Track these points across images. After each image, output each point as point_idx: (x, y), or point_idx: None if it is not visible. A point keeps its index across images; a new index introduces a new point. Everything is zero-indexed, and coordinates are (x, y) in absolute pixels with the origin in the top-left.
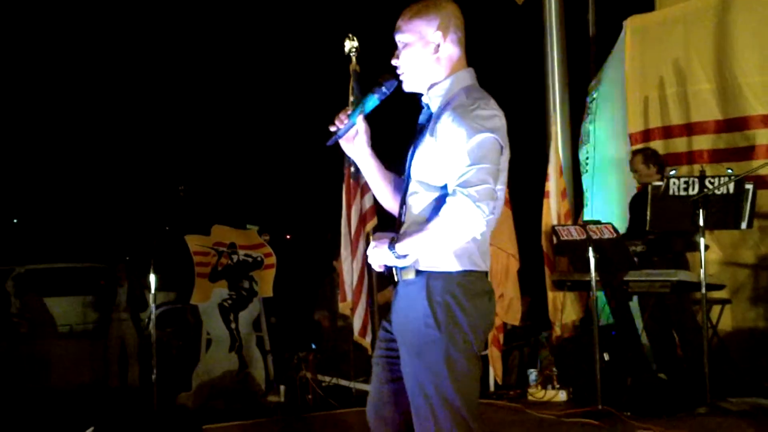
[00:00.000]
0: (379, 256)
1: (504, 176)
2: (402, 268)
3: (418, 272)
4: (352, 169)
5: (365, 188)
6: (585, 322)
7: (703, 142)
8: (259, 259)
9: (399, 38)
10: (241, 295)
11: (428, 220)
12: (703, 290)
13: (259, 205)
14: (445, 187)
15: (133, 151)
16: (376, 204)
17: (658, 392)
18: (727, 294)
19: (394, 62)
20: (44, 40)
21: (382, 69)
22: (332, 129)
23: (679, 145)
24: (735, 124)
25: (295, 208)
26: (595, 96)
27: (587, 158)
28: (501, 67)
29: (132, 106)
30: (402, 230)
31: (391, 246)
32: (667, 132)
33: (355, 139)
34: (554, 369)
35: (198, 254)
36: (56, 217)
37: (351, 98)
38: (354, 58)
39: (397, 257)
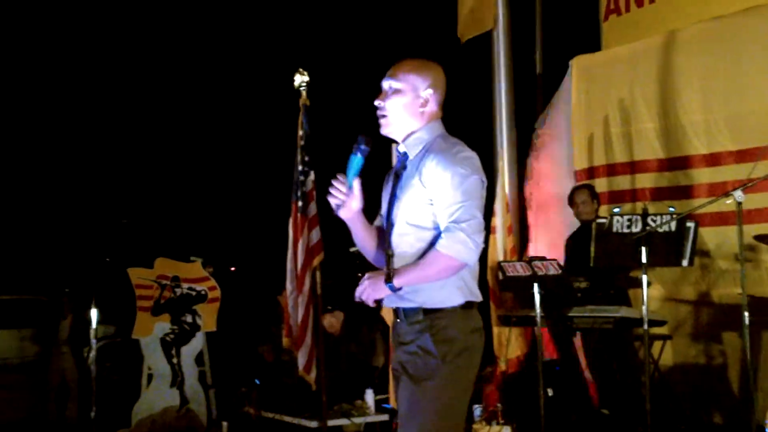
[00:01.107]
0: (374, 290)
1: None
2: (409, 310)
3: (425, 312)
4: (299, 203)
5: (313, 222)
6: (529, 358)
7: (646, 181)
8: (203, 292)
9: (391, 83)
10: (184, 330)
11: (422, 256)
12: (645, 326)
13: (203, 238)
14: (435, 226)
15: (74, 181)
16: (324, 239)
17: (601, 427)
18: (668, 330)
19: (377, 103)
20: None
21: (331, 103)
22: (332, 201)
23: (623, 182)
24: (677, 163)
25: (240, 240)
26: (540, 132)
27: (532, 194)
28: (449, 103)
29: (73, 135)
30: (395, 267)
31: (388, 281)
32: (611, 170)
33: (351, 203)
34: (499, 404)
35: (140, 287)
36: None
37: (300, 132)
38: (304, 92)
39: (393, 290)
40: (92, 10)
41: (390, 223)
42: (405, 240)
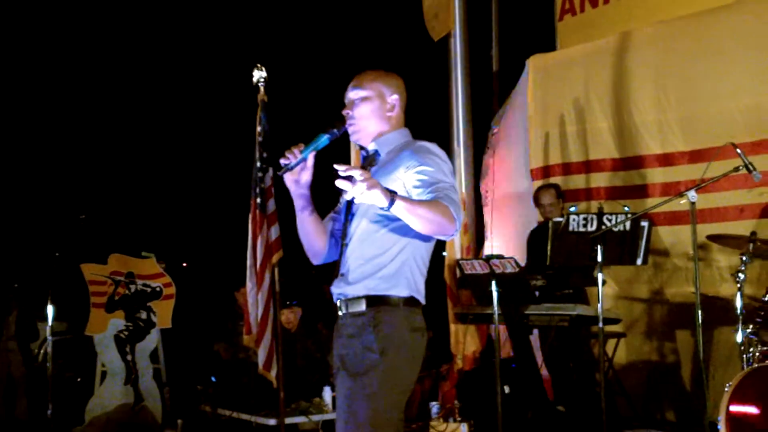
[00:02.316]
0: (372, 187)
1: None
2: (353, 300)
3: (369, 302)
4: (258, 200)
5: (272, 219)
6: (486, 355)
7: (601, 180)
8: (157, 289)
9: (358, 93)
10: (138, 326)
11: (393, 242)
12: (601, 324)
13: (155, 233)
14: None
15: (26, 175)
16: (283, 235)
17: (557, 424)
18: (623, 328)
19: (345, 113)
20: None
21: (289, 100)
22: (283, 162)
23: (578, 181)
24: (631, 162)
25: (192, 236)
26: (496, 130)
27: (488, 192)
28: (405, 100)
29: (25, 127)
30: (352, 255)
31: (391, 197)
32: (567, 168)
33: (301, 174)
34: (456, 402)
35: (94, 283)
36: None
37: (258, 128)
38: (262, 88)
39: (386, 201)
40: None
41: (350, 214)
42: (365, 228)
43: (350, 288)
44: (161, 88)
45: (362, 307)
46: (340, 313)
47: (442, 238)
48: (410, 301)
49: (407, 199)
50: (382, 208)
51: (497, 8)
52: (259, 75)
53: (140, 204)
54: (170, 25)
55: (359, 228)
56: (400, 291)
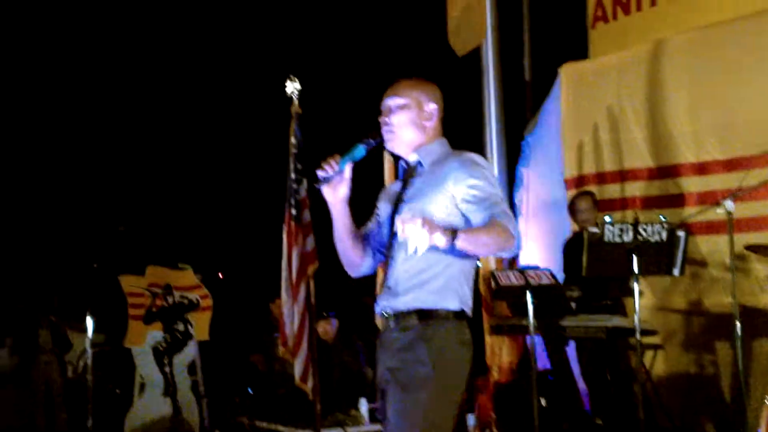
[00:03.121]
0: (433, 231)
1: None
2: (402, 313)
3: (420, 316)
4: (293, 211)
5: (307, 230)
6: (522, 367)
7: (635, 189)
8: (195, 300)
9: (395, 101)
10: (176, 338)
11: (445, 257)
12: (638, 336)
13: (191, 244)
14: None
15: (64, 187)
16: (319, 246)
17: None
18: (660, 339)
19: (383, 119)
20: None
21: (322, 112)
22: (320, 174)
23: (613, 191)
24: (667, 171)
25: (228, 247)
26: (530, 140)
27: (521, 202)
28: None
29: (64, 141)
30: (400, 269)
31: (450, 234)
32: (601, 178)
33: (339, 186)
34: (492, 414)
35: (132, 295)
36: None
37: (292, 140)
38: (296, 100)
39: (448, 242)
40: (81, 15)
41: (395, 228)
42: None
43: (399, 301)
44: (197, 100)
45: (413, 320)
46: (387, 325)
47: (504, 255)
48: (460, 314)
49: (468, 232)
50: (447, 240)
51: (529, 17)
52: (292, 87)
53: (177, 216)
54: (206, 38)
55: (406, 246)
56: (450, 304)
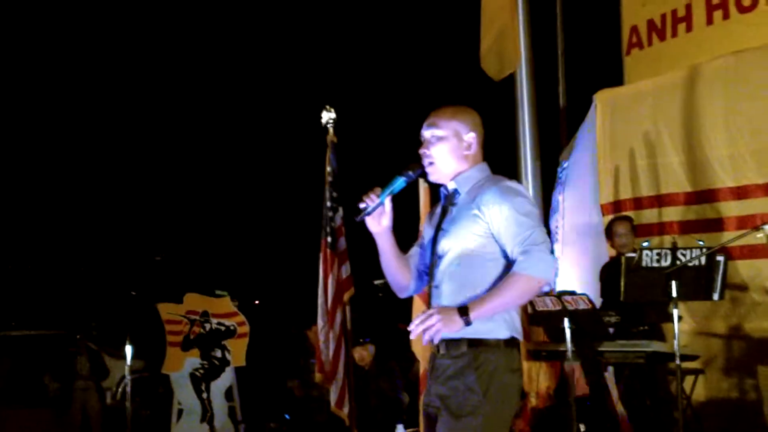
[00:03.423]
0: (446, 326)
1: None
2: (452, 341)
3: (470, 344)
4: (329, 238)
5: (343, 257)
6: (560, 393)
7: (673, 214)
8: (232, 327)
9: (433, 132)
10: (214, 365)
11: (475, 285)
12: (677, 361)
13: (229, 271)
14: (491, 257)
15: (104, 217)
16: (355, 273)
17: None
18: (700, 364)
19: (422, 152)
20: None
21: (358, 141)
22: (361, 206)
23: (650, 216)
24: (704, 196)
25: (265, 273)
26: (565, 166)
27: (557, 227)
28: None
29: (102, 172)
30: (445, 298)
31: (464, 314)
32: (638, 203)
33: (380, 218)
34: None
35: (170, 322)
36: (20, 283)
37: (328, 168)
38: (331, 129)
39: (466, 324)
40: (134, 46)
41: (436, 256)
42: (453, 272)
43: (448, 333)
44: (235, 129)
45: (463, 348)
46: (436, 352)
47: (549, 280)
48: (510, 341)
49: (479, 306)
50: (466, 323)
51: (563, 44)
52: (328, 116)
53: (215, 244)
54: (246, 68)
55: (448, 271)
56: (500, 333)
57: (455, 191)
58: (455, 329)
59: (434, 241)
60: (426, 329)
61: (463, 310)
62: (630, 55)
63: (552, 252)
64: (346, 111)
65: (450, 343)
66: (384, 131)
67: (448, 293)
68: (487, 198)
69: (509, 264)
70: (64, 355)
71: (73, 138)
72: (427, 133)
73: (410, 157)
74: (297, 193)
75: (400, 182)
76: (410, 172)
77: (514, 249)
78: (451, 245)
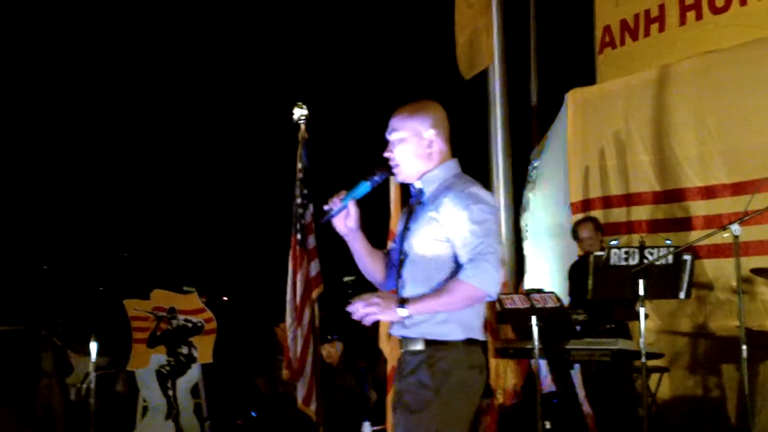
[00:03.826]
0: (383, 312)
1: None
2: (410, 338)
3: (427, 343)
4: (298, 236)
5: (312, 255)
6: (527, 390)
7: (642, 213)
8: (199, 324)
9: (394, 135)
10: (180, 361)
11: (434, 285)
12: (643, 359)
13: (197, 268)
14: (446, 261)
15: (70, 214)
16: (324, 270)
17: None
18: (666, 362)
19: (386, 155)
20: None
21: (329, 138)
22: (325, 208)
23: (619, 215)
24: (673, 195)
25: (233, 271)
26: (536, 165)
27: (528, 226)
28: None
29: (70, 168)
30: (406, 295)
31: (402, 305)
32: (607, 202)
33: (345, 220)
34: None
35: (136, 319)
36: None
37: (299, 165)
38: (303, 126)
39: (403, 315)
40: (90, 49)
41: (402, 254)
42: (415, 271)
43: (408, 331)
44: (204, 125)
45: (419, 346)
46: (401, 350)
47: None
48: (468, 341)
49: (419, 303)
50: (403, 314)
51: (536, 42)
52: (299, 113)
53: (182, 240)
54: (215, 64)
55: (411, 273)
56: (456, 335)
57: (421, 191)
58: (391, 318)
59: (401, 239)
60: (365, 312)
61: (402, 302)
62: (603, 55)
63: (499, 265)
64: (318, 108)
65: (409, 341)
66: (356, 128)
67: (408, 292)
68: (445, 202)
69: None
70: (28, 352)
71: (36, 134)
72: (389, 137)
73: (380, 164)
74: (267, 189)
75: (364, 186)
76: (375, 177)
77: (462, 256)
78: (413, 245)
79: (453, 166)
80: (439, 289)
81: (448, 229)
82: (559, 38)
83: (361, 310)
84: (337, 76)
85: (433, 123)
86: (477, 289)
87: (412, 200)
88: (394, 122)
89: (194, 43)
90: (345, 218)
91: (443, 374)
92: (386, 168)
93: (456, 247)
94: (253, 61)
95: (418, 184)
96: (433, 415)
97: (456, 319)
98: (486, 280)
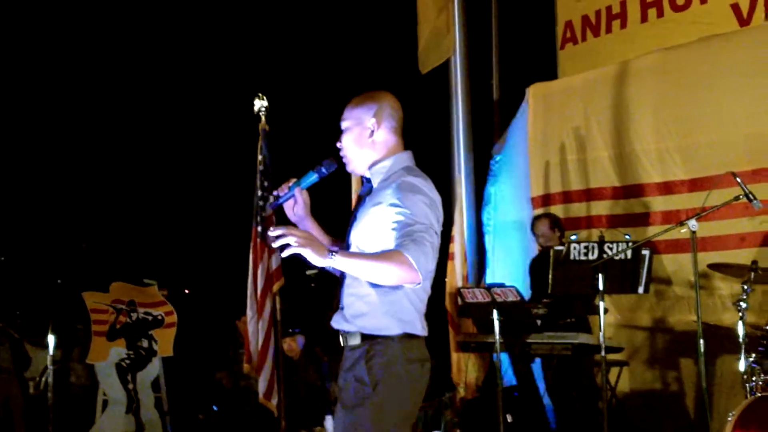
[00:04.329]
0: (310, 246)
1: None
2: (348, 333)
3: (363, 337)
4: (259, 228)
5: (272, 248)
6: (488, 384)
7: (601, 208)
8: (159, 317)
9: (342, 124)
10: (140, 355)
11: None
12: (603, 353)
13: (157, 260)
14: (382, 248)
15: (27, 203)
16: (284, 264)
17: None
18: (625, 356)
19: (338, 145)
20: None
21: (290, 129)
22: (274, 194)
23: (579, 210)
24: (632, 190)
25: (195, 263)
26: (498, 159)
27: (490, 220)
28: (407, 129)
29: (27, 154)
30: (348, 290)
31: (331, 253)
32: (567, 197)
33: (295, 207)
34: (458, 430)
35: (95, 311)
36: None
37: (259, 157)
38: (263, 117)
39: (325, 258)
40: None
41: (347, 244)
42: None
43: (347, 324)
44: (162, 115)
45: (357, 340)
46: (341, 345)
47: (407, 285)
48: (406, 335)
49: (348, 256)
50: (328, 257)
51: (497, 36)
52: (260, 104)
53: (142, 232)
54: (172, 53)
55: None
56: (392, 330)
57: (369, 181)
58: (316, 256)
59: (348, 229)
60: (292, 238)
61: (333, 252)
62: (564, 50)
63: (434, 257)
64: (278, 99)
65: (348, 336)
66: (316, 120)
67: (350, 284)
68: (386, 194)
69: None
70: None
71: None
72: (340, 126)
73: (331, 155)
74: (228, 181)
75: (312, 177)
76: (322, 168)
77: (395, 244)
78: (356, 236)
79: (405, 158)
80: (372, 253)
81: (387, 219)
82: (520, 33)
83: (288, 234)
84: (298, 68)
85: (376, 112)
86: (411, 265)
87: (362, 191)
88: (344, 112)
89: (154, 34)
90: (293, 206)
91: (380, 369)
92: (335, 159)
93: (390, 234)
94: (213, 53)
95: (367, 175)
96: (371, 411)
97: (394, 314)
98: (422, 262)
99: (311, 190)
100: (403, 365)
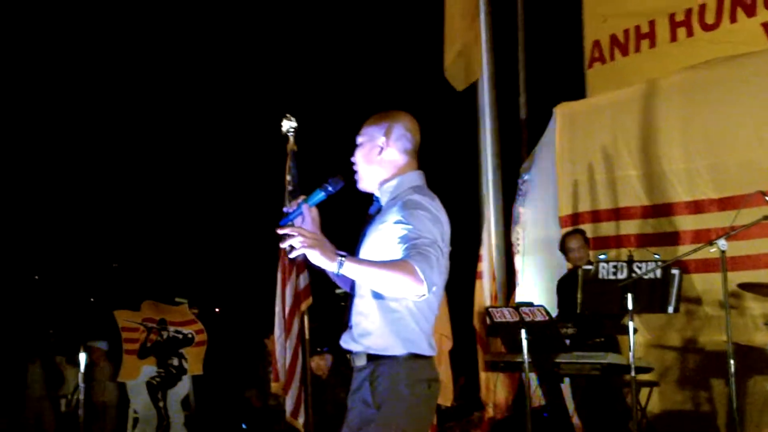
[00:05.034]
0: (320, 248)
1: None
2: (354, 354)
3: (369, 357)
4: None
5: (300, 267)
6: (517, 404)
7: (630, 227)
8: (189, 335)
9: (357, 140)
10: (170, 373)
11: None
12: (633, 373)
13: (188, 279)
14: None
15: (62, 225)
16: (312, 283)
17: None
18: (655, 377)
19: (352, 159)
20: None
21: (318, 150)
22: (285, 210)
23: (608, 229)
24: (661, 210)
25: (225, 281)
26: (526, 178)
27: (518, 239)
28: (435, 149)
29: (63, 179)
30: (356, 309)
31: (341, 260)
32: (596, 216)
33: (303, 225)
34: None
35: (127, 330)
36: None
37: (288, 177)
38: (291, 138)
39: (333, 261)
40: (67, 60)
41: None
42: (366, 287)
43: (354, 345)
44: (194, 137)
45: (363, 361)
46: (350, 366)
47: (412, 298)
48: (411, 356)
49: (357, 261)
50: (337, 262)
51: (525, 56)
52: (288, 125)
53: (173, 251)
54: (205, 77)
55: (359, 282)
56: (397, 350)
57: (377, 200)
58: (324, 259)
59: (357, 248)
60: (301, 239)
61: (342, 255)
62: (592, 69)
63: (442, 270)
64: (306, 120)
65: (355, 357)
66: (346, 141)
67: (358, 303)
68: (391, 213)
69: None
70: (16, 364)
71: (26, 143)
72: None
73: (340, 172)
74: (257, 201)
75: (319, 195)
76: (329, 186)
77: (401, 256)
78: (364, 253)
79: (414, 178)
80: (383, 261)
81: (393, 235)
82: (548, 52)
83: (298, 236)
84: (327, 88)
85: (388, 131)
86: (418, 275)
87: (371, 209)
88: (362, 128)
89: (184, 56)
90: (301, 223)
91: (384, 390)
92: (342, 177)
93: (396, 247)
94: (243, 75)
95: (377, 193)
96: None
97: (399, 333)
98: (428, 273)
99: (322, 209)
100: (407, 386)
